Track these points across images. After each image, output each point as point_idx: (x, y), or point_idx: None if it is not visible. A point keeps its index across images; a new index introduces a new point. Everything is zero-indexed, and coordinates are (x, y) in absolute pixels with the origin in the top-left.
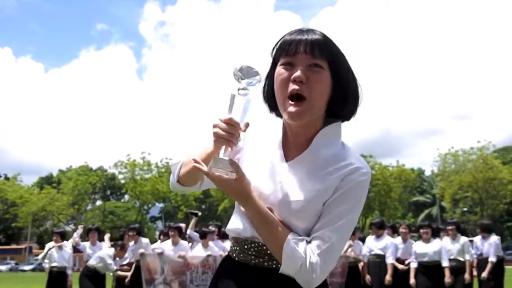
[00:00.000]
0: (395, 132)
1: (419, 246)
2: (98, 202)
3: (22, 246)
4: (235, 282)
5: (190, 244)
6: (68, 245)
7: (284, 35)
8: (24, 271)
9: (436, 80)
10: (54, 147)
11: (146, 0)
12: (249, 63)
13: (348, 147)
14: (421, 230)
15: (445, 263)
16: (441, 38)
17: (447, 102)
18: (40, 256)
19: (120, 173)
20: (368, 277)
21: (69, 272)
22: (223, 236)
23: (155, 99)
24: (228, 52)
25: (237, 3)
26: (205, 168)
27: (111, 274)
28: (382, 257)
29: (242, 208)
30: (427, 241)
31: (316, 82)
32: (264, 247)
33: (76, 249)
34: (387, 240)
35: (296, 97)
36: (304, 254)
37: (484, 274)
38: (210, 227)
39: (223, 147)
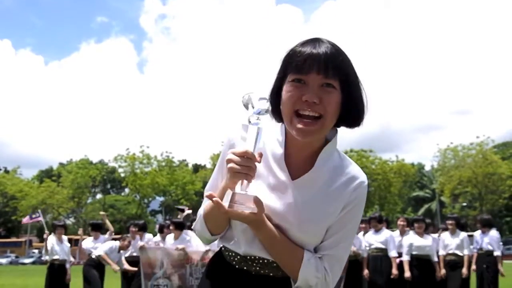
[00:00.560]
0: (395, 127)
1: (413, 240)
2: (98, 196)
3: (22, 239)
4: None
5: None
6: (66, 238)
7: (297, 45)
8: (24, 264)
9: (436, 76)
10: (54, 140)
11: None
12: (258, 91)
13: (343, 155)
14: (416, 224)
15: (435, 258)
16: (442, 33)
17: (447, 97)
18: (43, 250)
19: (120, 166)
20: (366, 271)
21: (67, 265)
22: None
23: (156, 92)
24: (229, 46)
25: None
26: (226, 205)
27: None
28: (382, 251)
29: (241, 227)
30: (420, 235)
31: (329, 104)
32: (271, 261)
33: (73, 242)
34: (386, 233)
35: (307, 117)
36: (320, 273)
37: (500, 267)
38: None
39: (240, 181)
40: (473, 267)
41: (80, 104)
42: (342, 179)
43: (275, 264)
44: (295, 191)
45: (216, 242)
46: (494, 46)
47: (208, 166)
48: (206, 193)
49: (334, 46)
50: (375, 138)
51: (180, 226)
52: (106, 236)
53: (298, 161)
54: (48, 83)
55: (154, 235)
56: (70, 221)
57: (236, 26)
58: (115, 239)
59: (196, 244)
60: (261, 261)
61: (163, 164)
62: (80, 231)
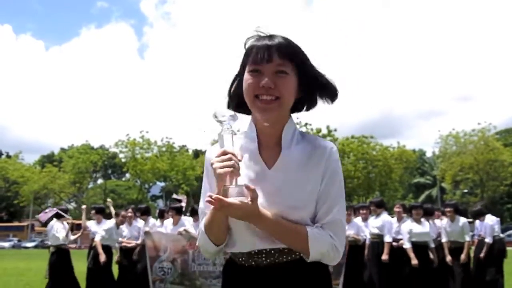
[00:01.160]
0: (396, 113)
1: (412, 226)
2: (99, 181)
3: (24, 224)
4: (252, 285)
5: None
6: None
7: (249, 40)
8: (26, 248)
9: (439, 62)
10: (55, 125)
11: None
12: (222, 107)
13: (304, 133)
14: (413, 211)
15: (431, 245)
16: (445, 19)
17: (449, 83)
18: (63, 235)
19: (121, 152)
20: (365, 252)
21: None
22: None
23: (156, 77)
24: (229, 31)
25: None
26: (226, 200)
27: (116, 246)
28: (379, 237)
29: (235, 224)
30: (418, 221)
31: (283, 87)
32: (273, 250)
33: (74, 227)
34: (384, 218)
35: (265, 101)
36: (327, 240)
37: (481, 255)
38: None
39: (228, 178)
40: (482, 255)
41: (81, 89)
42: (313, 153)
43: (278, 252)
44: (274, 177)
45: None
46: (497, 32)
47: None
48: (201, 205)
49: (284, 39)
50: (377, 124)
51: (179, 212)
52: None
53: (270, 150)
54: (48, 68)
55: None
56: (71, 206)
57: (237, 11)
58: None
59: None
60: (264, 251)
61: (164, 149)
62: (83, 213)
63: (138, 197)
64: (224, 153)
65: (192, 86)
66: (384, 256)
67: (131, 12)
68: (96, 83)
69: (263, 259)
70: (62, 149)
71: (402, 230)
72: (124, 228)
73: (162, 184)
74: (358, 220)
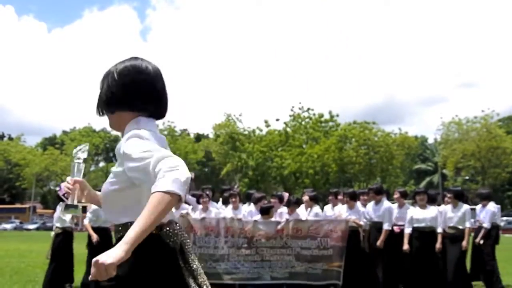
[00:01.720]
0: (399, 99)
1: (415, 212)
2: (101, 164)
3: (26, 206)
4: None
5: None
6: None
7: None
8: (28, 230)
9: (442, 48)
10: (57, 108)
11: None
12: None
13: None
14: (417, 197)
15: (439, 230)
16: (448, 5)
17: (452, 70)
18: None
19: None
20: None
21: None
22: (225, 201)
23: (158, 60)
24: (232, 14)
25: None
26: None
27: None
28: (380, 224)
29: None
30: (423, 207)
31: (113, 122)
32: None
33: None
34: (385, 206)
35: None
36: (164, 180)
37: (477, 240)
38: (206, 191)
39: (71, 197)
40: (477, 240)
41: (83, 72)
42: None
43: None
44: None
45: (222, 210)
46: (501, 18)
47: (210, 136)
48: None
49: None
50: (379, 110)
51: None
52: None
53: None
54: (51, 50)
55: None
56: None
57: None
58: None
59: (196, 213)
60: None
61: (165, 133)
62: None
63: None
64: (68, 181)
65: (194, 70)
66: (379, 242)
67: None
68: (98, 66)
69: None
70: (64, 132)
71: (406, 215)
72: None
73: None
74: (360, 206)
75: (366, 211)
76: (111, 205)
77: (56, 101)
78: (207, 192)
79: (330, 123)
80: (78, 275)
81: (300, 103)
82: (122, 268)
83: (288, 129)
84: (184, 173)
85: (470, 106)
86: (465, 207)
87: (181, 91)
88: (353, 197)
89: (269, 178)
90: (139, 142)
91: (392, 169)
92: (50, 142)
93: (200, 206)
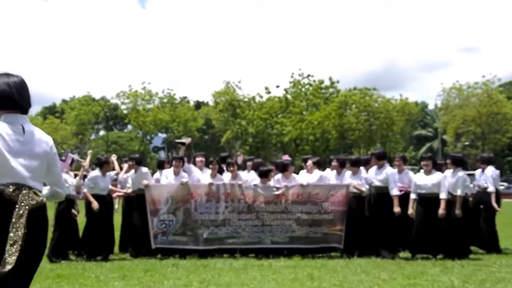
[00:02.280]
0: (399, 65)
1: (419, 178)
2: (101, 132)
3: None
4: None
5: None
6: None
7: None
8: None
9: (443, 12)
10: (57, 77)
11: None
12: None
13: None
14: (422, 162)
15: (442, 195)
16: None
17: (454, 34)
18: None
19: (122, 103)
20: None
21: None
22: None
23: (158, 28)
24: None
25: None
26: None
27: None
28: (382, 189)
29: None
30: (428, 173)
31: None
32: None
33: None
34: (387, 171)
35: None
36: None
37: (493, 204)
38: (197, 158)
39: None
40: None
41: (82, 40)
42: None
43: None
44: None
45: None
46: None
47: (210, 103)
48: None
49: None
50: (379, 76)
51: (182, 161)
52: (112, 174)
53: None
54: (48, 18)
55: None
56: (74, 157)
57: None
58: None
59: (198, 179)
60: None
61: (165, 101)
62: (88, 157)
63: (140, 149)
64: None
65: (193, 37)
66: (396, 209)
67: None
68: (96, 33)
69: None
70: (64, 101)
71: (413, 181)
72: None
73: (164, 135)
74: (363, 171)
75: (369, 177)
76: None
77: (55, 70)
78: (212, 159)
79: (331, 90)
80: None
81: (300, 69)
82: None
83: (288, 96)
84: None
85: (472, 71)
86: (461, 174)
87: (181, 59)
88: (356, 164)
89: (270, 145)
90: None
91: (392, 135)
92: (50, 111)
93: (196, 171)
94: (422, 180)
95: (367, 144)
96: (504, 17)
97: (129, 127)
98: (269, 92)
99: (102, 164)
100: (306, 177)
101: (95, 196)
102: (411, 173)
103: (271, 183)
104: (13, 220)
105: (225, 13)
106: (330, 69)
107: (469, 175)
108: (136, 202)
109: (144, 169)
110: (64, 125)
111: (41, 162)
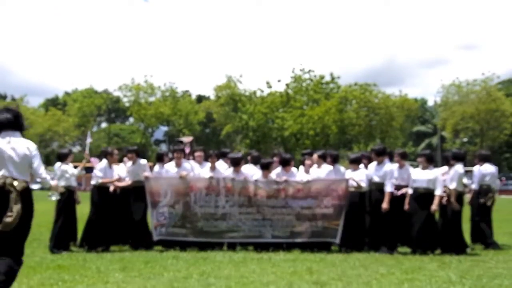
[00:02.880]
0: (399, 61)
1: (415, 173)
2: (103, 125)
3: None
4: None
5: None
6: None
7: None
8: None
9: (443, 9)
10: (60, 69)
11: None
12: None
13: None
14: (418, 159)
15: (437, 192)
16: None
17: (454, 31)
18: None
19: (124, 96)
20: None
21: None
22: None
23: (160, 21)
24: None
25: None
26: None
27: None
28: (381, 185)
29: None
30: (424, 168)
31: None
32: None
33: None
34: (386, 167)
35: None
36: None
37: (482, 200)
38: (196, 152)
39: None
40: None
41: (84, 33)
42: None
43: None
44: None
45: (222, 169)
46: None
47: (212, 97)
48: None
49: None
50: (379, 72)
51: (182, 155)
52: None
53: None
54: (52, 9)
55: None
56: (76, 149)
57: None
58: None
59: (199, 172)
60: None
61: (167, 94)
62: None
63: (142, 141)
64: None
65: (195, 31)
66: (384, 205)
67: None
68: (99, 27)
69: None
70: (66, 93)
71: (406, 175)
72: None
73: (165, 128)
74: (362, 168)
75: (368, 173)
76: None
77: (58, 62)
78: (210, 152)
79: (331, 85)
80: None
81: (301, 64)
82: None
83: (289, 91)
84: None
85: (471, 68)
86: (456, 168)
87: (183, 53)
88: (356, 161)
89: (270, 139)
90: None
91: (391, 131)
92: (52, 103)
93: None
94: (416, 175)
95: (366, 139)
96: (503, 15)
97: (131, 119)
98: (270, 87)
99: (106, 155)
100: (316, 171)
101: (101, 187)
102: (411, 169)
103: (272, 175)
104: (12, 196)
105: (227, 8)
106: (331, 64)
107: (466, 171)
108: (134, 194)
109: (143, 161)
110: (66, 117)
111: (23, 161)
